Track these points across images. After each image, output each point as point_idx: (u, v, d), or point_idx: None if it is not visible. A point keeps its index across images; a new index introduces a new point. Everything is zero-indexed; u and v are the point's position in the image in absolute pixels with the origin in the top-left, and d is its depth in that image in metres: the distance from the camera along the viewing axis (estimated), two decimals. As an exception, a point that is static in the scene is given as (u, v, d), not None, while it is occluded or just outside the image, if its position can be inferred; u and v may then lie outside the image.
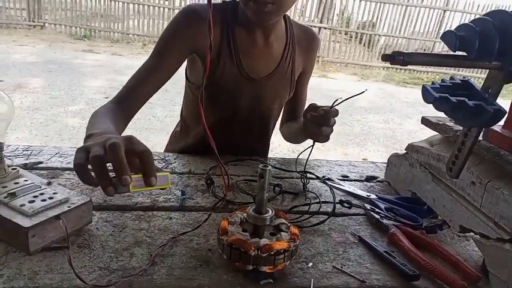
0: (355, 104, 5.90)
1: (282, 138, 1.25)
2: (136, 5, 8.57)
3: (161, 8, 8.63)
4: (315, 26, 8.90)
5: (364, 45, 9.29)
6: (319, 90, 6.53)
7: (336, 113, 0.89)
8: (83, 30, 8.56)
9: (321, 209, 0.83)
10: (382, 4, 8.88)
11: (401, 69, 9.12)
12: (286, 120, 1.23)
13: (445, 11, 8.99)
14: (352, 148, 4.19)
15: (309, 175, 0.99)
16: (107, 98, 4.75)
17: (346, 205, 0.83)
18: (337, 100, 0.87)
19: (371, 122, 5.23)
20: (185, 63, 1.04)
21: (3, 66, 5.62)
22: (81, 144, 0.62)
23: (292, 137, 1.20)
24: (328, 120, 0.89)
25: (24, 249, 0.60)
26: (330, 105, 0.89)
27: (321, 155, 3.67)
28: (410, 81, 8.36)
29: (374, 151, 4.18)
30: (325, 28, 8.92)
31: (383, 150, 4.20)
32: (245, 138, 1.11)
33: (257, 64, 1.01)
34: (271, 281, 0.60)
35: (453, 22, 9.04)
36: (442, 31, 9.11)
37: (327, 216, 0.78)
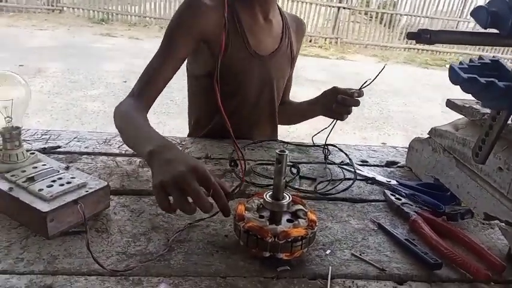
0: (374, 87, 5.77)
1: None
2: (153, -12, 8.52)
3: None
4: (333, 6, 8.69)
5: (384, 25, 9.03)
6: (337, 72, 6.42)
7: (362, 94, 0.99)
8: (100, 13, 8.59)
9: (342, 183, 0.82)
10: (404, -18, 8.59)
11: (423, 50, 8.86)
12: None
13: (471, -12, 8.64)
14: (371, 132, 4.12)
15: (331, 150, 1.01)
16: (125, 81, 4.79)
17: (370, 182, 0.81)
18: (366, 82, 0.95)
19: (390, 105, 5.12)
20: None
21: (23, 50, 5.71)
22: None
23: (294, 119, 1.28)
24: (357, 101, 0.98)
25: (43, 233, 0.61)
26: (358, 87, 0.99)
27: (339, 138, 3.62)
28: (432, 62, 8.12)
29: (393, 135, 4.10)
30: (344, 8, 8.70)
31: (402, 134, 4.12)
32: (256, 121, 1.13)
33: (262, 41, 1.05)
34: (289, 268, 0.59)
35: (478, 1, 8.69)
36: (466, 10, 8.78)
37: (352, 181, 0.79)
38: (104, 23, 8.36)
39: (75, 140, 0.96)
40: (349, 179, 0.89)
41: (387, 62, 7.88)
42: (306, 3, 8.59)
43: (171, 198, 0.59)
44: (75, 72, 4.96)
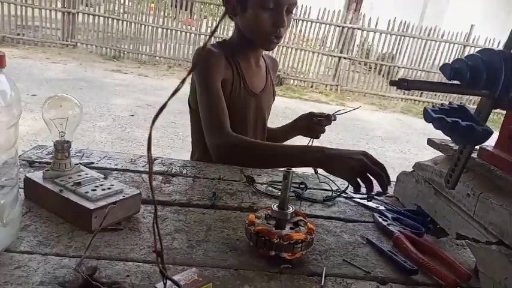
0: (371, 133, 5.99)
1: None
2: (164, 30, 8.97)
3: (187, 34, 9.01)
4: (335, 56, 9.11)
5: (383, 76, 9.43)
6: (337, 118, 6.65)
7: (335, 118, 1.32)
8: (112, 51, 8.98)
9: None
10: (403, 37, 9.05)
11: (419, 101, 9.19)
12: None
13: (465, 46, 9.09)
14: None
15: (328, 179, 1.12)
16: (132, 115, 4.99)
17: (361, 206, 0.94)
18: (338, 111, 1.33)
19: (387, 152, 5.30)
20: (186, 95, 1.27)
21: (37, 81, 5.96)
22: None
23: (275, 142, 1.46)
24: (329, 122, 1.31)
25: (87, 228, 0.73)
26: (330, 114, 1.35)
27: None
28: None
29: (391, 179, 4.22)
30: (345, 58, 9.12)
31: (398, 179, 4.24)
32: None
33: (255, 82, 1.30)
34: (290, 266, 0.71)
35: (473, 57, 9.11)
36: (461, 65, 9.19)
37: (342, 191, 1.05)
38: (115, 60, 8.73)
39: (105, 158, 1.09)
40: (336, 193, 1.02)
41: (385, 110, 8.16)
42: (309, 51, 9.02)
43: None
44: (85, 104, 5.16)
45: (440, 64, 9.55)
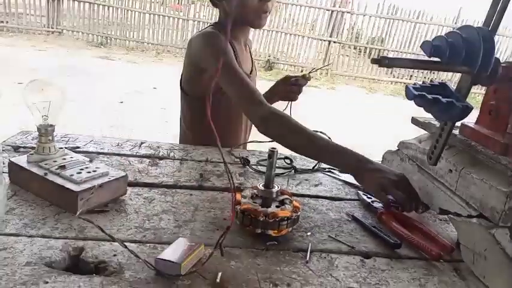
0: (361, 117, 6.02)
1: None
2: (151, 15, 8.83)
3: (175, 19, 8.88)
4: (325, 40, 9.07)
5: (373, 59, 9.41)
6: (327, 102, 6.66)
7: (310, 78, 1.34)
8: (99, 37, 8.83)
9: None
10: (392, 21, 9.03)
11: (409, 83, 9.21)
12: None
13: (453, 28, 9.10)
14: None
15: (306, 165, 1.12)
16: (121, 102, 4.94)
17: (347, 184, 0.95)
18: (313, 69, 1.40)
19: (377, 134, 5.34)
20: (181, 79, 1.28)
21: (23, 69, 5.85)
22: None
23: None
24: (305, 81, 1.32)
25: (73, 210, 0.73)
26: (305, 73, 1.34)
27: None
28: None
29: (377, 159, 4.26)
30: (334, 42, 9.08)
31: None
32: (245, 128, 1.38)
33: (245, 63, 1.30)
34: (276, 243, 0.72)
35: (462, 39, 9.15)
36: (450, 48, 9.23)
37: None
38: (102, 46, 8.59)
39: (91, 142, 1.09)
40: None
41: (375, 93, 8.19)
42: (299, 36, 8.96)
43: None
44: (72, 92, 5.09)
45: (429, 47, 9.46)
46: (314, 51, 9.22)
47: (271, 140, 0.98)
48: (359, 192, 0.96)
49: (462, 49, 0.66)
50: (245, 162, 1.09)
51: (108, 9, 8.80)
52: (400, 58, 0.66)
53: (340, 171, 1.10)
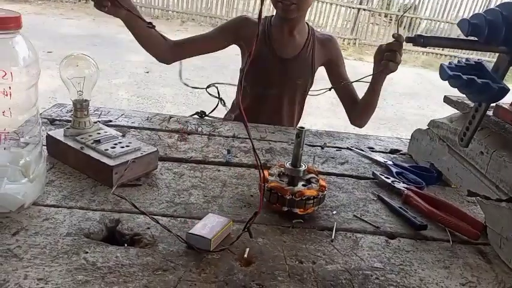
0: (389, 89, 5.87)
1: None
2: (176, -18, 8.72)
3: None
4: (353, 8, 8.75)
5: (404, 28, 9.07)
6: (354, 73, 6.51)
7: (403, 39, 1.05)
8: (125, 5, 8.82)
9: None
10: (426, -14, 8.60)
11: (441, 54, 8.86)
12: (351, 107, 1.43)
13: (492, -5, 8.60)
14: (384, 132, 4.22)
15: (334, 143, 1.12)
16: (147, 72, 4.99)
17: (370, 161, 0.95)
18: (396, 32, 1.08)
19: (405, 108, 5.21)
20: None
21: (52, 38, 5.95)
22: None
23: (365, 107, 1.36)
24: (400, 42, 1.06)
25: (108, 183, 0.77)
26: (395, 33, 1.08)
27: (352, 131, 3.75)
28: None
29: (406, 136, 4.19)
30: (364, 10, 8.76)
31: (415, 135, 4.21)
32: (277, 111, 1.40)
33: (284, 48, 1.35)
34: (302, 221, 0.74)
35: (501, 7, 8.63)
36: (488, 16, 8.74)
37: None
38: (128, 14, 8.59)
39: (122, 116, 1.12)
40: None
41: (405, 65, 7.92)
42: (326, 3, 8.68)
43: None
44: (100, 61, 5.09)
45: (466, 15, 9.06)
46: (342, 20, 8.93)
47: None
48: (374, 172, 0.95)
49: (502, 28, 0.63)
50: (201, 114, 1.17)
51: (134, -24, 8.73)
52: (436, 36, 0.64)
53: None
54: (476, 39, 0.65)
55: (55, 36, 6.09)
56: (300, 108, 1.48)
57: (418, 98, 5.74)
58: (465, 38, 0.66)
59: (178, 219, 0.70)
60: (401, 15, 1.05)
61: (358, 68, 6.97)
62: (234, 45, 1.40)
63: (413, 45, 0.65)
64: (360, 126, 1.44)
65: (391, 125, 4.47)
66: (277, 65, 1.35)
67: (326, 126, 3.68)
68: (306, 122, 1.37)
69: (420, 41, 0.64)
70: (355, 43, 8.85)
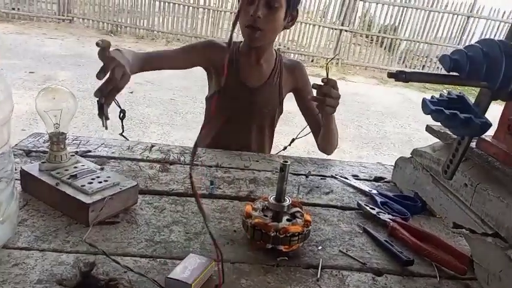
0: (372, 108, 5.96)
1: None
2: (161, 3, 8.77)
3: (185, 7, 8.81)
4: (336, 28, 8.94)
5: (385, 48, 9.28)
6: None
7: (333, 82, 1.09)
8: (109, 25, 8.81)
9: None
10: (405, 8, 8.85)
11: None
12: (317, 134, 1.37)
13: (468, 17, 8.90)
14: (367, 151, 4.26)
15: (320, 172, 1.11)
16: (131, 92, 4.95)
17: (356, 190, 0.94)
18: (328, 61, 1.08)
19: (387, 127, 5.28)
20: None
21: (34, 58, 5.88)
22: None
23: (323, 139, 1.33)
24: (328, 88, 1.08)
25: (84, 221, 0.74)
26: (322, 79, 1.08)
27: (336, 155, 3.75)
28: (430, 87, 8.32)
29: (388, 155, 4.24)
30: (346, 31, 8.95)
31: (397, 155, 4.25)
32: (245, 139, 1.36)
33: (250, 77, 1.33)
34: (287, 258, 0.71)
35: (477, 29, 8.94)
36: (465, 37, 9.03)
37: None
38: (112, 34, 8.58)
39: (102, 145, 1.09)
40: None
41: (386, 84, 8.08)
42: (309, 24, 8.84)
43: None
44: (83, 81, 5.12)
45: (444, 36, 9.25)
46: (325, 40, 9.10)
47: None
48: (359, 202, 0.94)
49: (483, 64, 0.63)
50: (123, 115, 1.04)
51: (118, -4, 8.77)
52: (417, 72, 0.64)
53: None
54: (457, 74, 0.65)
55: (38, 56, 6.02)
56: (271, 135, 1.44)
57: (399, 117, 5.83)
58: (447, 73, 0.66)
59: (158, 260, 0.67)
60: (329, 61, 1.03)
61: (341, 88, 7.07)
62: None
63: (395, 81, 0.65)
64: (326, 153, 1.37)
65: (373, 144, 4.51)
66: (244, 94, 1.32)
67: (311, 145, 3.68)
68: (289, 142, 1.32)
69: (402, 76, 0.64)
70: (337, 63, 9.00)
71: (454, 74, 0.66)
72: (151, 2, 8.76)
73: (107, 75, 0.87)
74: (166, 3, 8.78)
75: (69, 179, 0.78)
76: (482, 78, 0.64)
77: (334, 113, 1.19)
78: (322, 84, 1.08)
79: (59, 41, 7.36)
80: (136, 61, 1.09)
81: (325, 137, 1.31)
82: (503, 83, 0.63)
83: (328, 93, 1.07)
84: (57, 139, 0.82)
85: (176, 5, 8.78)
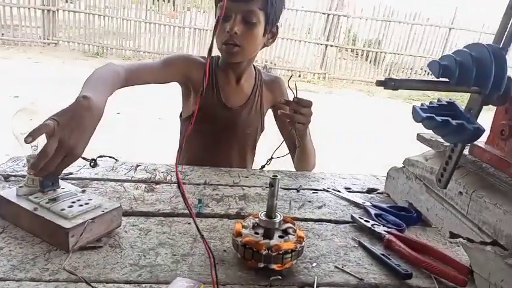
0: (358, 121, 5.99)
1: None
2: (147, 23, 8.82)
3: (171, 27, 8.87)
4: (321, 44, 9.07)
5: (370, 62, 9.42)
6: (324, 106, 6.64)
7: (305, 102, 1.07)
8: (95, 47, 8.81)
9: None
10: (388, 23, 9.04)
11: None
12: (293, 152, 1.34)
13: (450, 29, 9.11)
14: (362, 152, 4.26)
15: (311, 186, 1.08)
16: (118, 113, 4.90)
17: (349, 203, 0.91)
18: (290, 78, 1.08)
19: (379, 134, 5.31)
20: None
21: (18, 82, 5.81)
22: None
23: (298, 158, 1.32)
24: (295, 105, 1.08)
25: (65, 247, 0.69)
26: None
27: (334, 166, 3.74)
28: (416, 97, 8.43)
29: (383, 163, 4.23)
30: (331, 46, 9.08)
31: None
32: (226, 159, 1.30)
33: (231, 97, 1.29)
34: (280, 277, 0.68)
35: (458, 40, 9.14)
36: (448, 49, 9.22)
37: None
38: (98, 56, 8.57)
39: (85, 167, 1.05)
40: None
41: (373, 96, 8.16)
42: (295, 40, 8.95)
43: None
44: (69, 102, 5.05)
45: (427, 48, 9.46)
46: (311, 56, 9.21)
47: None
48: (353, 215, 0.91)
49: (472, 69, 0.62)
50: (93, 162, 1.04)
51: (104, 18, 8.79)
52: (407, 79, 0.62)
53: None
54: (447, 80, 0.64)
55: (22, 81, 5.95)
56: (252, 154, 1.40)
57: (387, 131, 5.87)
58: (436, 79, 0.64)
59: (143, 285, 0.63)
60: (290, 78, 1.03)
61: (328, 102, 7.12)
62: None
63: (384, 88, 0.64)
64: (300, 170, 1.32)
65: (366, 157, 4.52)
66: (224, 115, 1.28)
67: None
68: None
69: (391, 84, 0.62)
70: (324, 77, 9.10)
71: (444, 80, 0.64)
72: (137, 23, 8.81)
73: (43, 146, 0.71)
74: (152, 24, 8.83)
75: (48, 203, 0.74)
76: (473, 83, 0.63)
77: (309, 133, 1.21)
78: (290, 100, 1.08)
79: (44, 64, 7.31)
80: (109, 88, 0.97)
81: (300, 157, 1.29)
82: (494, 86, 0.62)
83: (297, 110, 1.07)
84: (35, 161, 0.78)
85: (162, 25, 8.84)
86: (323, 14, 8.91)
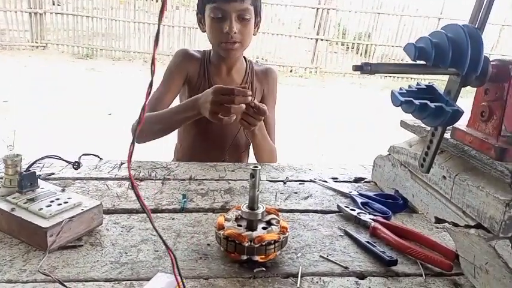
0: (351, 113, 6.00)
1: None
2: (136, 24, 8.75)
3: (160, 26, 8.80)
4: (312, 38, 9.05)
5: (361, 55, 9.42)
6: (317, 100, 6.63)
7: (261, 110, 1.09)
8: (84, 49, 8.73)
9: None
10: (377, 15, 9.04)
11: (398, 77, 9.22)
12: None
13: (439, 19, 9.13)
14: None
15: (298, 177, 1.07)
16: (110, 114, 4.87)
17: (336, 192, 0.90)
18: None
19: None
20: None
21: (7, 87, 5.75)
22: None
23: (254, 153, 1.34)
24: (250, 107, 1.09)
25: (43, 247, 0.68)
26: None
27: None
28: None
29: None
30: (322, 40, 9.06)
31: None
32: (220, 148, 1.33)
33: None
34: (264, 269, 0.67)
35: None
36: (437, 39, 9.25)
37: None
38: (88, 58, 8.49)
39: (67, 167, 1.03)
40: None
41: (365, 88, 8.17)
42: (286, 35, 8.93)
43: None
44: (61, 105, 5.02)
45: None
46: (302, 50, 9.19)
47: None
48: (339, 205, 0.90)
49: (448, 50, 0.61)
50: (76, 165, 1.03)
51: (92, 20, 8.70)
52: (383, 63, 0.62)
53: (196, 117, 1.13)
54: (424, 63, 0.63)
55: (11, 85, 5.89)
56: (246, 144, 1.40)
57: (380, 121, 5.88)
58: (413, 62, 0.64)
59: (124, 282, 0.62)
60: (243, 82, 1.10)
61: (320, 95, 7.12)
62: None
63: (360, 73, 0.63)
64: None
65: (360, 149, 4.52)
66: None
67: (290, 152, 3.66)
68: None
69: (368, 68, 0.61)
70: (316, 71, 9.09)
71: (421, 62, 0.64)
72: (126, 24, 8.73)
73: None
74: (141, 24, 8.76)
75: (25, 203, 0.73)
76: (450, 64, 0.62)
77: (263, 133, 1.25)
78: (256, 103, 1.10)
79: (33, 68, 7.24)
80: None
81: (254, 152, 1.32)
82: (471, 67, 0.61)
83: (249, 112, 1.09)
84: (12, 161, 0.77)
85: (151, 25, 8.77)
86: (312, 8, 8.89)
